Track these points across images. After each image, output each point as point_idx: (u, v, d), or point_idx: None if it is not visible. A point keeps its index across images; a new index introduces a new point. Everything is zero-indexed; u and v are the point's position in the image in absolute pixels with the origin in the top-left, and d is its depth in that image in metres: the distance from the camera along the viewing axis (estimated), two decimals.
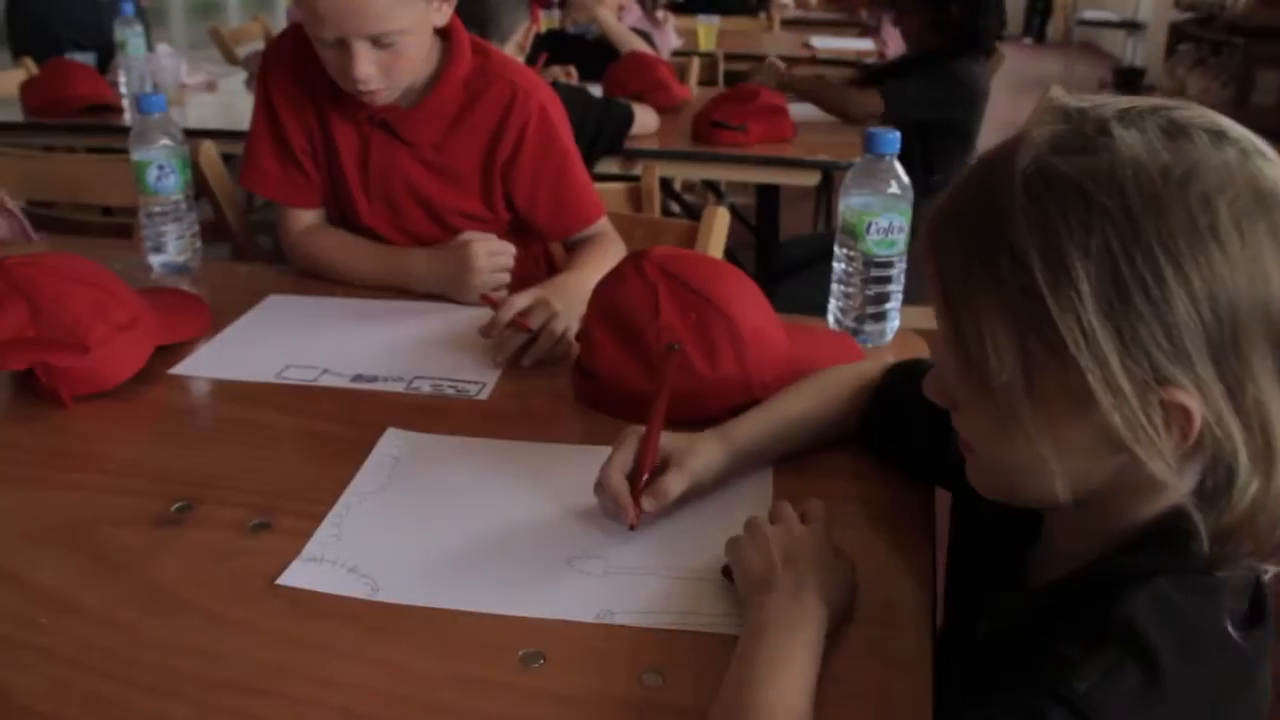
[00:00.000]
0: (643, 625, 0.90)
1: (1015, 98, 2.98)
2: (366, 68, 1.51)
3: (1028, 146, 0.72)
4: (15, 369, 1.27)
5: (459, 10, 2.43)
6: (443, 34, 1.65)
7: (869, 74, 3.11)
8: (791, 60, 4.96)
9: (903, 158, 1.39)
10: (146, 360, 1.34)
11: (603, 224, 1.77)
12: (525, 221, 1.74)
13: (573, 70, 3.11)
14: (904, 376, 1.13)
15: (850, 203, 1.39)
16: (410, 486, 1.12)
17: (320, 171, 1.71)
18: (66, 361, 1.26)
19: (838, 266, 1.43)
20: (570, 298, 1.42)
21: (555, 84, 2.53)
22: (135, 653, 0.86)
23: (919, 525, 1.05)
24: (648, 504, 1.00)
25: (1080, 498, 0.76)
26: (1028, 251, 0.69)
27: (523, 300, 1.38)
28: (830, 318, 1.47)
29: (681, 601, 0.93)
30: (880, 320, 1.43)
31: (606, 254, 1.68)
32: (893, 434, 1.12)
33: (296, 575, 0.96)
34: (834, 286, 1.44)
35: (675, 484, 1.01)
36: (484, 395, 1.31)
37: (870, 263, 1.38)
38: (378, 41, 1.50)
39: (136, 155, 1.69)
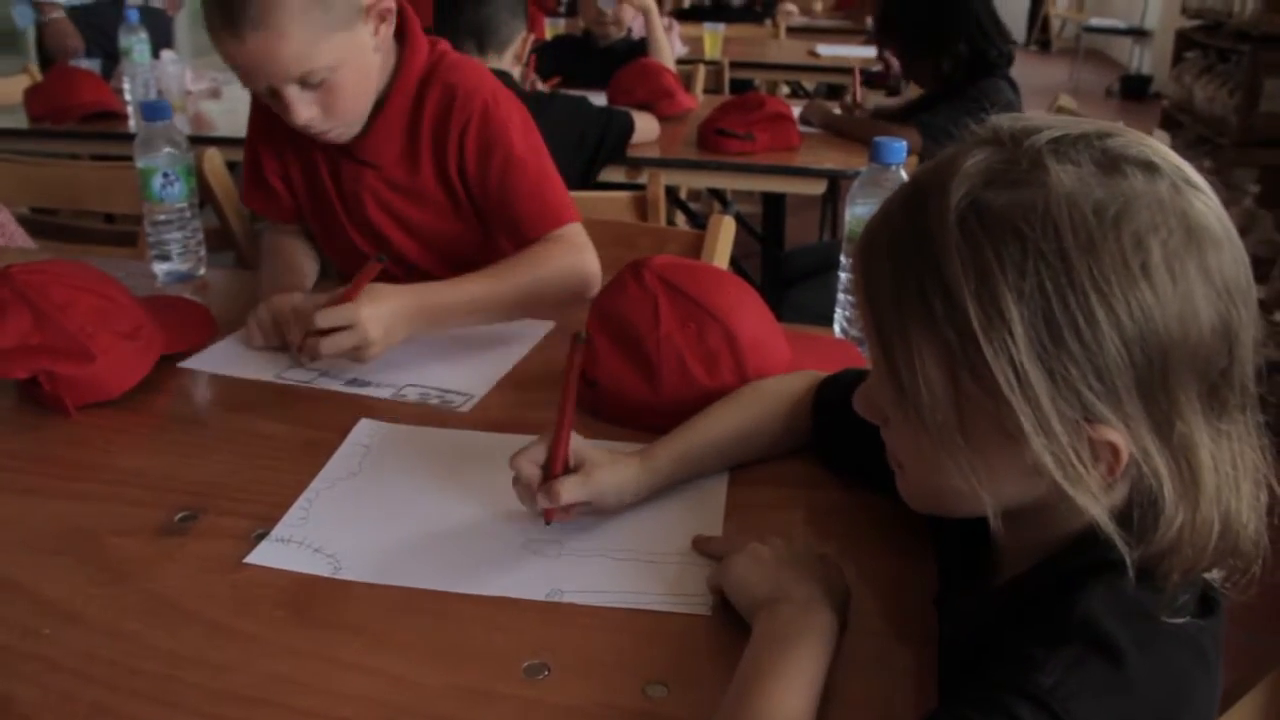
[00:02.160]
0: (592, 604, 0.93)
1: (1024, 106, 2.97)
2: (303, 111, 1.45)
3: (961, 178, 0.71)
4: (19, 377, 1.26)
5: (454, 21, 2.46)
6: (399, 38, 1.56)
7: (899, 114, 3.08)
8: (797, 68, 4.98)
9: None
10: (150, 369, 1.34)
11: (562, 233, 1.56)
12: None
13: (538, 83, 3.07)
14: (842, 389, 1.12)
15: (856, 212, 1.39)
16: (379, 474, 1.15)
17: (303, 201, 1.67)
18: (70, 370, 1.26)
19: (843, 276, 1.43)
20: (404, 316, 1.37)
21: (555, 94, 2.53)
22: (139, 663, 0.86)
23: (912, 530, 1.04)
24: (541, 500, 1.01)
25: (1012, 513, 0.76)
26: (961, 292, 0.69)
27: (334, 318, 1.33)
28: (836, 327, 1.47)
29: (632, 582, 0.96)
30: None
31: (520, 263, 1.51)
32: (842, 447, 1.12)
33: (264, 555, 1.00)
34: (840, 296, 1.44)
35: (569, 490, 1.01)
36: (467, 408, 1.31)
37: None
38: (306, 83, 1.42)
39: (141, 163, 1.69)
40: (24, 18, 3.93)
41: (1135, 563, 0.70)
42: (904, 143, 1.39)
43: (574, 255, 1.54)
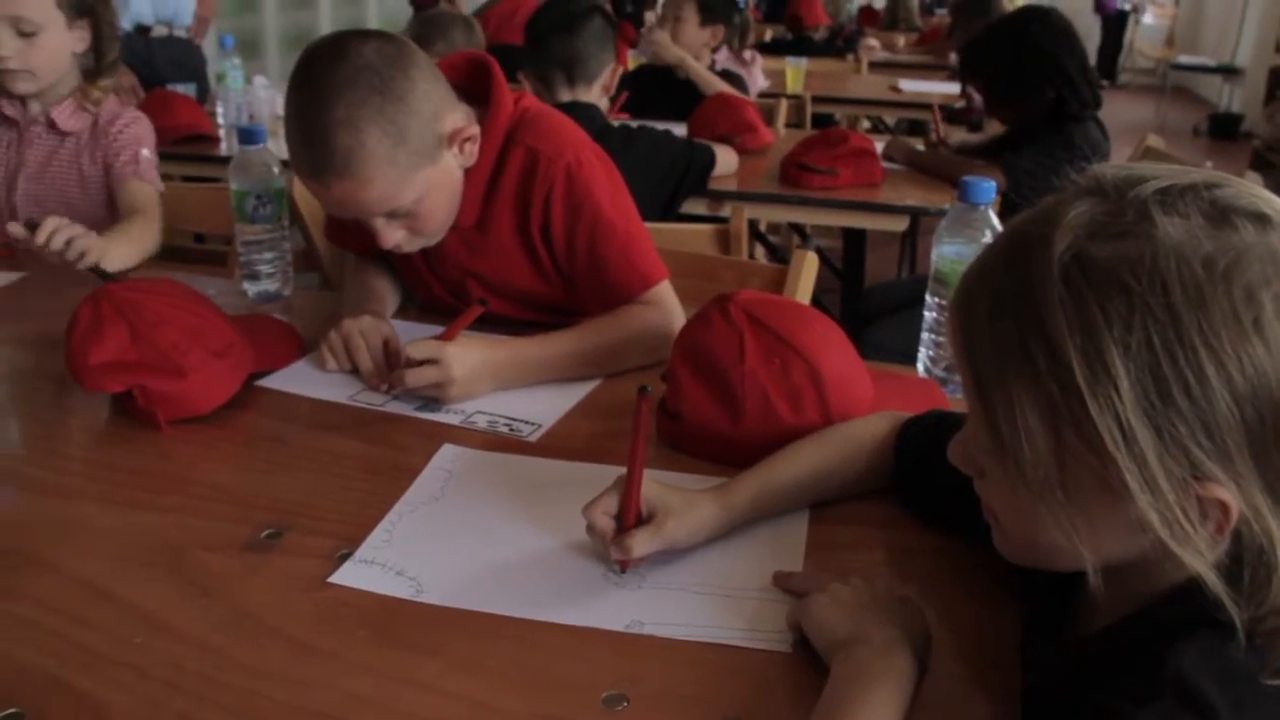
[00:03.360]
0: (672, 637, 0.93)
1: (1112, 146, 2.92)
2: (391, 237, 1.45)
3: (1064, 230, 0.70)
4: (115, 391, 1.30)
5: (543, 54, 2.49)
6: (482, 98, 1.55)
7: (983, 151, 3.05)
8: (878, 104, 4.97)
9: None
10: (239, 387, 1.36)
11: (650, 294, 1.55)
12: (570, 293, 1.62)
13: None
14: (926, 432, 1.11)
15: (943, 251, 1.38)
16: (461, 499, 1.16)
17: (394, 257, 1.64)
18: (163, 385, 1.29)
19: (928, 315, 1.42)
20: (489, 368, 1.39)
21: (640, 128, 2.55)
22: (225, 676, 0.88)
23: (995, 574, 1.03)
24: (615, 553, 1.01)
25: (1109, 566, 0.75)
26: (1066, 347, 0.67)
27: (424, 351, 1.35)
28: (920, 365, 1.46)
29: (712, 616, 0.96)
30: None
31: (608, 325, 1.51)
32: (926, 490, 1.10)
33: (348, 575, 1.02)
34: (924, 335, 1.43)
35: (641, 544, 1.01)
36: (535, 438, 1.31)
37: None
38: (393, 215, 1.43)
39: (236, 185, 1.73)
40: None
41: (1245, 621, 0.68)
42: (992, 183, 1.39)
43: (660, 317, 1.53)
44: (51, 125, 2.08)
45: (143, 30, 4.01)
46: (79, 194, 2.11)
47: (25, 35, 1.95)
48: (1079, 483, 0.70)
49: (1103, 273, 0.68)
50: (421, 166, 1.40)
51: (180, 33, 4.02)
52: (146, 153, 2.12)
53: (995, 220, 1.38)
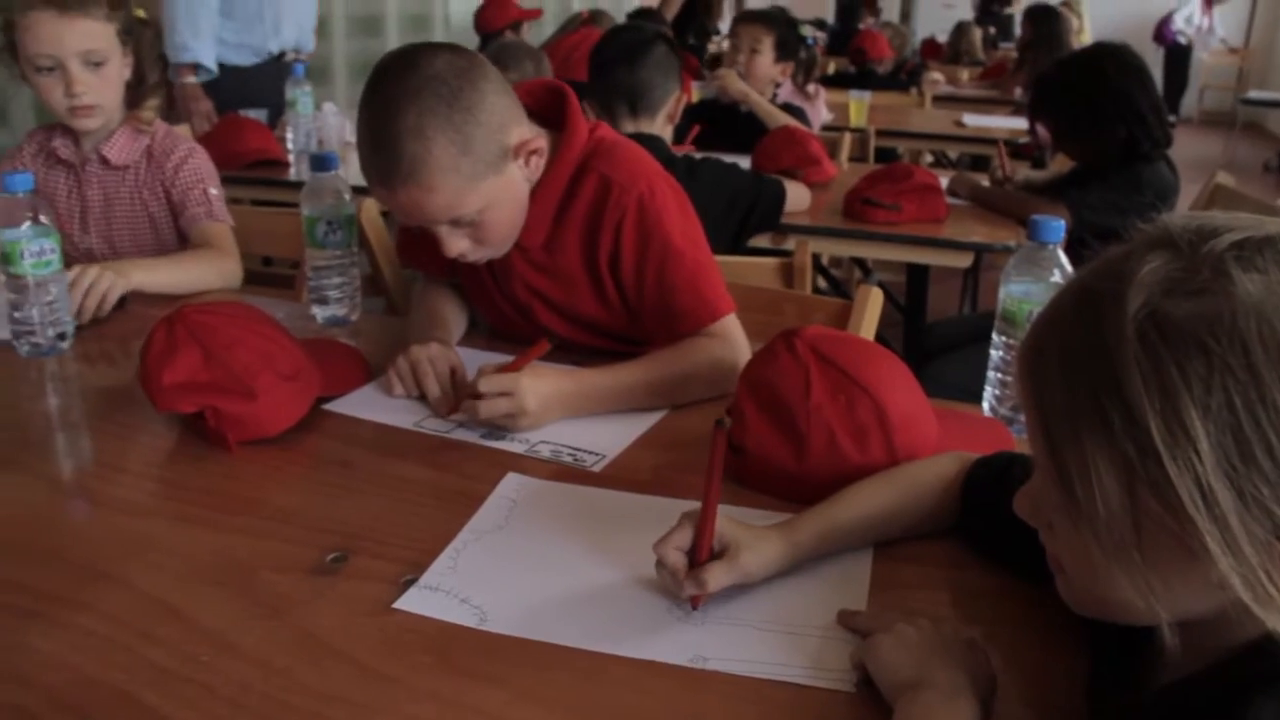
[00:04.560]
0: (735, 673, 0.93)
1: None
2: (455, 245, 1.48)
3: (1138, 286, 0.69)
4: (186, 411, 1.33)
5: (607, 84, 2.50)
6: (558, 124, 1.58)
7: (1049, 188, 3.02)
8: (942, 138, 4.95)
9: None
10: (308, 410, 1.38)
11: (716, 326, 1.55)
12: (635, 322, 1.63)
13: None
14: (995, 475, 1.10)
15: (1011, 290, 1.37)
16: (525, 528, 1.17)
17: (456, 265, 1.62)
18: (234, 407, 1.31)
19: (995, 354, 1.40)
20: (560, 399, 1.40)
21: (705, 159, 2.55)
22: (290, 697, 0.89)
23: (1063, 619, 1.01)
24: (689, 588, 1.00)
25: (1185, 621, 0.73)
26: (1143, 408, 0.66)
27: (496, 384, 1.36)
28: (985, 404, 1.44)
29: (775, 653, 0.96)
30: None
31: (675, 357, 1.51)
32: (993, 532, 1.08)
33: (413, 601, 1.02)
34: (990, 374, 1.42)
35: (717, 577, 1.00)
36: (598, 468, 1.31)
37: None
38: (457, 223, 1.46)
39: (307, 210, 1.76)
40: None
41: None
42: (1062, 222, 1.37)
43: (727, 350, 1.53)
44: (105, 161, 2.06)
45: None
46: (150, 234, 2.12)
47: (94, 66, 1.94)
48: (1155, 543, 0.69)
49: (1180, 332, 0.66)
50: (486, 176, 1.42)
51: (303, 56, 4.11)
52: (215, 191, 2.11)
53: (1065, 260, 1.36)
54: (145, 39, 2.06)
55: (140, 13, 2.05)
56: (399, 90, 1.36)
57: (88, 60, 1.93)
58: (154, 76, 2.10)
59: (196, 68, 3.72)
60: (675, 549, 1.02)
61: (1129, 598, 0.72)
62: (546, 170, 1.55)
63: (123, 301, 1.83)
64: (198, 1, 3.66)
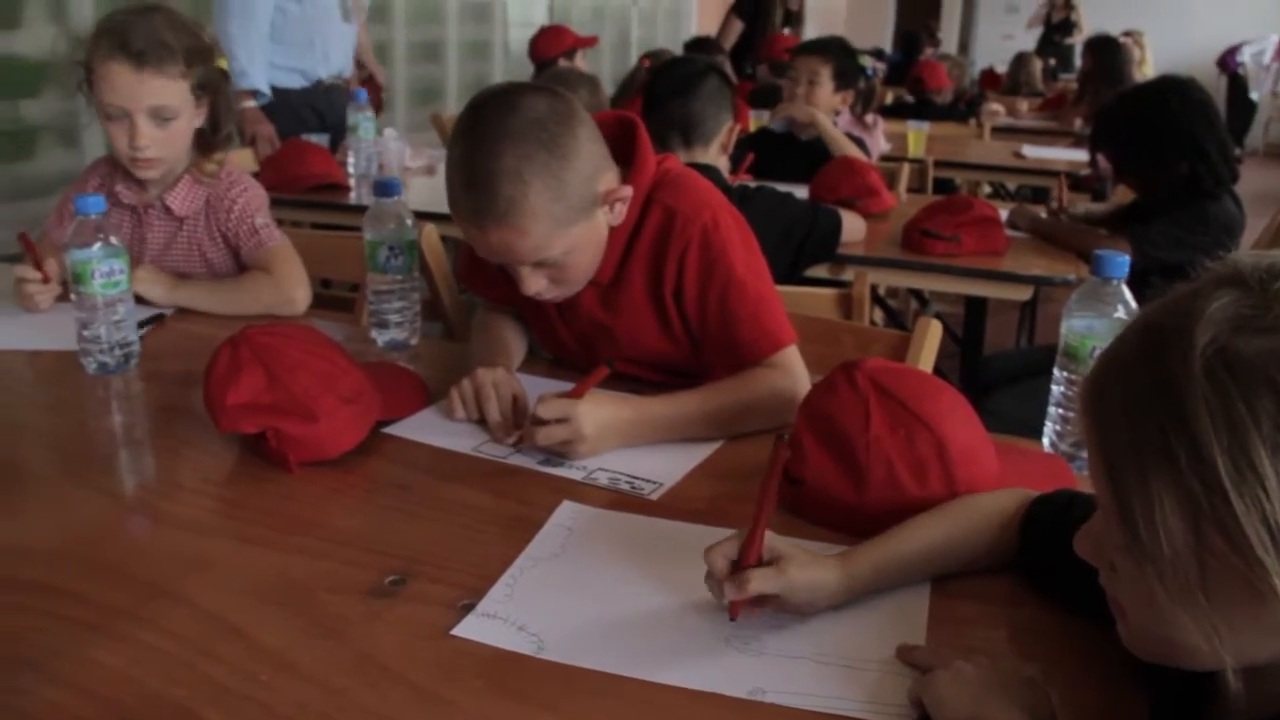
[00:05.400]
0: (793, 705, 0.92)
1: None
2: (533, 284, 1.49)
3: (1206, 324, 0.68)
4: (248, 432, 1.34)
5: (660, 115, 2.51)
6: (627, 157, 1.58)
7: (1109, 221, 2.98)
8: (1000, 169, 4.92)
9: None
10: (367, 433, 1.40)
11: (777, 357, 1.55)
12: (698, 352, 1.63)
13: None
14: (1056, 513, 1.08)
15: (1073, 325, 1.36)
16: (581, 556, 1.17)
17: (518, 293, 1.57)
18: (295, 429, 1.33)
19: (1056, 389, 1.39)
20: (617, 427, 1.40)
21: (760, 188, 2.55)
22: (346, 718, 0.89)
23: (1122, 658, 0.99)
24: (729, 590, 1.00)
25: (1249, 667, 0.72)
26: (1210, 446, 0.66)
27: (554, 410, 1.37)
28: (1046, 440, 1.43)
29: (833, 687, 0.95)
30: None
31: (735, 387, 1.51)
32: (1052, 570, 1.07)
33: (470, 628, 1.03)
34: (1051, 409, 1.41)
35: (758, 581, 1.00)
36: (656, 496, 1.31)
37: None
38: (541, 265, 1.47)
39: (369, 235, 1.78)
40: None
41: None
42: (1126, 257, 1.36)
43: (786, 381, 1.53)
44: (167, 210, 2.05)
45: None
46: (204, 275, 2.11)
47: (163, 121, 1.93)
48: (1221, 585, 0.68)
49: (1249, 369, 0.66)
50: (576, 222, 1.43)
51: (340, 82, 4.18)
52: (260, 220, 2.09)
53: (1129, 296, 1.35)
54: (224, 90, 2.06)
55: (223, 63, 2.05)
56: (499, 130, 1.37)
57: (157, 116, 1.92)
58: (228, 127, 2.09)
59: (255, 93, 3.79)
60: (723, 556, 1.02)
61: (1194, 642, 0.71)
62: None
63: (160, 318, 1.87)
64: (252, 28, 3.74)
